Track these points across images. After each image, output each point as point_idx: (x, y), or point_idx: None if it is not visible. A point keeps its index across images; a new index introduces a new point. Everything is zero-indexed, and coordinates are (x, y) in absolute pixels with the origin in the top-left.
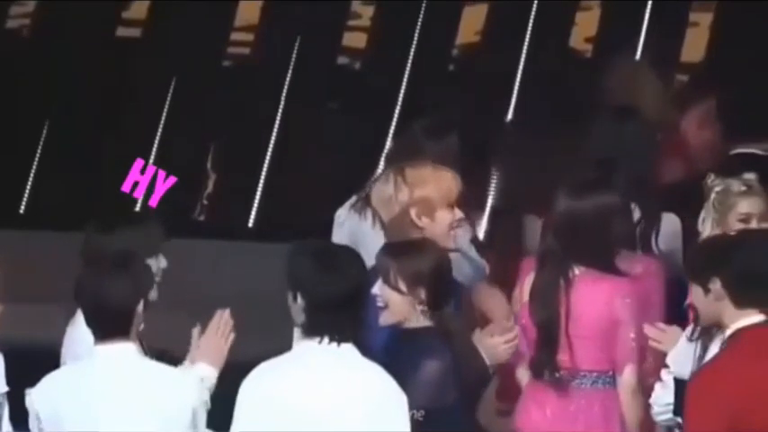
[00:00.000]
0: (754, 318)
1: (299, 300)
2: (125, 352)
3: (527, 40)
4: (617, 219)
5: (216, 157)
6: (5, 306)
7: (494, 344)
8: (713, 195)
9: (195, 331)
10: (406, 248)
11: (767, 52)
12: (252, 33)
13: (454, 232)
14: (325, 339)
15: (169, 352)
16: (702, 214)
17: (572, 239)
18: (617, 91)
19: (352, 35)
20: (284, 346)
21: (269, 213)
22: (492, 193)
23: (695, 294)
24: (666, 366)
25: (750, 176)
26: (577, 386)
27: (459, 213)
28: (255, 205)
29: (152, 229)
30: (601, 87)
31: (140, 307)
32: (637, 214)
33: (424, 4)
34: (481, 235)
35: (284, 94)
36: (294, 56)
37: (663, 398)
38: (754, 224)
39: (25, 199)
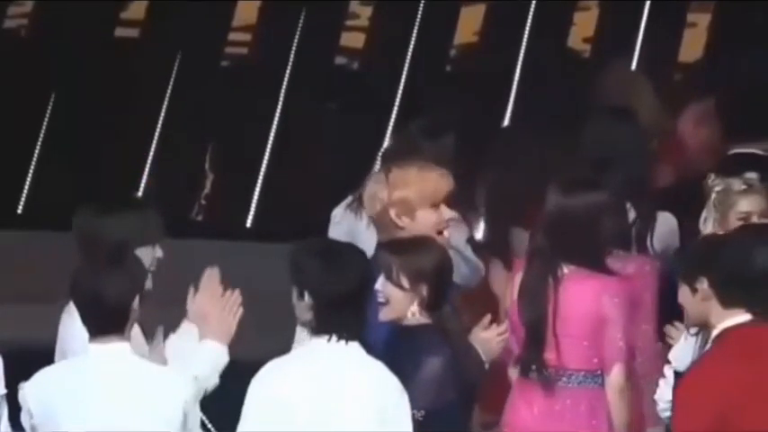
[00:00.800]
0: (741, 318)
1: (307, 298)
2: (119, 350)
3: (525, 40)
4: (607, 217)
5: (214, 156)
6: (5, 307)
7: (488, 338)
8: (714, 195)
9: (191, 291)
10: (408, 245)
11: (765, 52)
12: (250, 33)
13: (443, 232)
14: (334, 338)
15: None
16: (704, 214)
17: (561, 237)
18: (612, 100)
19: (350, 35)
20: (284, 345)
21: (267, 213)
22: (489, 193)
23: (683, 294)
24: (669, 362)
25: (751, 176)
26: (564, 385)
27: (447, 214)
28: (254, 205)
29: (151, 216)
30: (598, 88)
31: (136, 302)
32: (632, 214)
33: (421, 5)
34: (479, 235)
35: (282, 94)
36: (292, 56)
37: (667, 394)
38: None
39: (23, 199)
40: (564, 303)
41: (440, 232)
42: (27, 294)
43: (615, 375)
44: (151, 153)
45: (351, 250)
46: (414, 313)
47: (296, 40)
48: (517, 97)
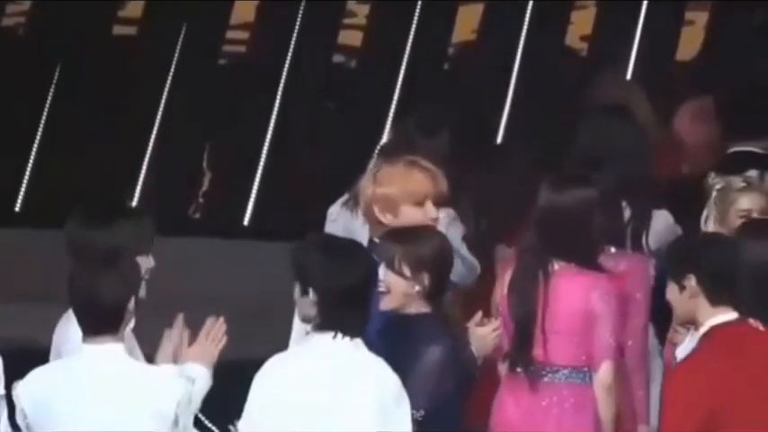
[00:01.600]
0: (728, 315)
1: (311, 294)
2: (113, 351)
3: (523, 38)
4: (598, 213)
5: (212, 155)
6: (3, 306)
7: (483, 333)
8: (714, 193)
9: (165, 332)
10: (411, 234)
11: (762, 50)
12: (248, 32)
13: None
14: (339, 334)
15: None
16: (705, 213)
17: (552, 233)
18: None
19: (347, 33)
20: (281, 343)
21: (265, 211)
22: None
23: (670, 291)
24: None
25: (751, 173)
26: (551, 380)
27: (431, 212)
28: (251, 203)
29: (146, 225)
30: (592, 96)
31: (131, 304)
32: (627, 212)
33: (419, 3)
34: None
35: (280, 93)
36: (290, 54)
37: None
38: None
39: (21, 197)
40: (553, 299)
41: None
42: (25, 293)
43: (603, 372)
44: (149, 151)
45: (354, 246)
46: (418, 302)
47: (294, 39)
48: (515, 95)
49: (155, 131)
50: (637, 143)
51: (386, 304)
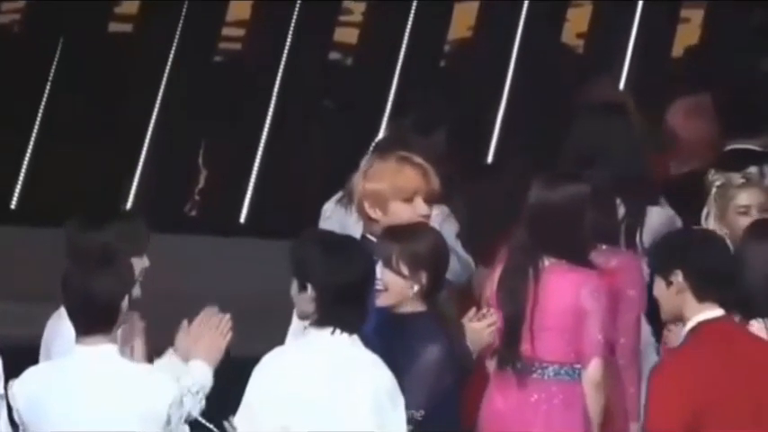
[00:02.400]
0: (715, 312)
1: (309, 290)
2: (106, 352)
3: (519, 35)
4: (588, 210)
5: (208, 152)
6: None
7: (477, 328)
8: (714, 190)
9: (184, 323)
10: (407, 232)
11: (757, 48)
12: (243, 29)
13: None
14: (338, 331)
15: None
16: (705, 210)
17: (543, 230)
18: None
19: (343, 31)
20: (278, 341)
21: (261, 209)
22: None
23: (657, 287)
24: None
25: (752, 170)
26: (540, 377)
27: (421, 209)
28: (247, 201)
29: (140, 227)
30: (590, 87)
31: (125, 304)
32: (622, 210)
33: (415, 0)
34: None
35: (276, 90)
36: (286, 52)
37: None
38: (754, 216)
39: (17, 195)
40: (543, 296)
41: None
42: (20, 292)
43: (592, 369)
44: (145, 148)
45: (353, 243)
46: (414, 300)
47: (289, 36)
48: (511, 92)
49: (151, 128)
50: (631, 140)
51: (382, 301)
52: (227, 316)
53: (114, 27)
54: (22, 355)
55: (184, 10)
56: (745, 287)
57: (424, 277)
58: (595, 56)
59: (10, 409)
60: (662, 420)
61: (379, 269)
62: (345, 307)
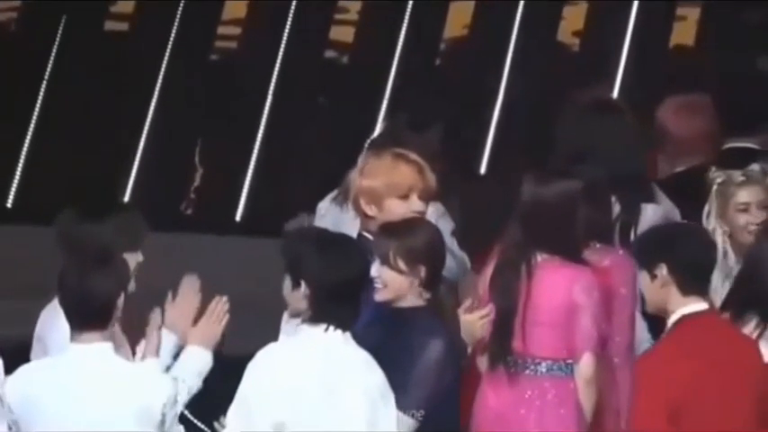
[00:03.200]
0: (699, 305)
1: (303, 287)
2: (101, 350)
3: (514, 34)
4: (582, 206)
5: (203, 150)
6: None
7: (471, 320)
8: (715, 187)
9: (169, 296)
10: (403, 227)
11: (753, 46)
12: (239, 27)
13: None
14: (331, 328)
15: None
16: (706, 207)
17: (535, 226)
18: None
19: (339, 29)
20: (272, 339)
21: (256, 207)
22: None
23: (642, 280)
24: None
25: (753, 168)
26: (533, 373)
27: (416, 206)
28: (243, 199)
29: (139, 220)
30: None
31: (121, 300)
32: (617, 207)
33: None
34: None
35: (272, 88)
36: (282, 50)
37: None
38: (754, 213)
39: (12, 193)
40: (536, 292)
41: None
42: (17, 289)
43: (584, 364)
44: (141, 147)
45: (347, 240)
46: (414, 295)
47: (285, 34)
48: (506, 91)
49: (146, 127)
50: (626, 138)
51: (381, 296)
52: (224, 299)
53: (110, 25)
54: (20, 354)
55: (180, 8)
56: (762, 288)
57: (422, 271)
58: (591, 54)
59: None
60: (645, 409)
61: (378, 267)
62: (339, 304)
